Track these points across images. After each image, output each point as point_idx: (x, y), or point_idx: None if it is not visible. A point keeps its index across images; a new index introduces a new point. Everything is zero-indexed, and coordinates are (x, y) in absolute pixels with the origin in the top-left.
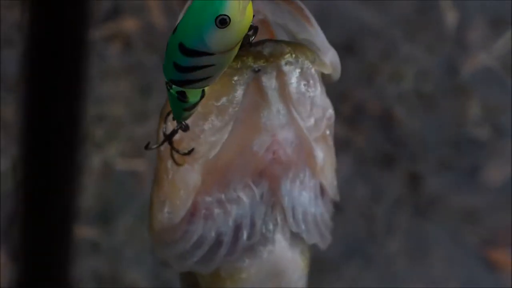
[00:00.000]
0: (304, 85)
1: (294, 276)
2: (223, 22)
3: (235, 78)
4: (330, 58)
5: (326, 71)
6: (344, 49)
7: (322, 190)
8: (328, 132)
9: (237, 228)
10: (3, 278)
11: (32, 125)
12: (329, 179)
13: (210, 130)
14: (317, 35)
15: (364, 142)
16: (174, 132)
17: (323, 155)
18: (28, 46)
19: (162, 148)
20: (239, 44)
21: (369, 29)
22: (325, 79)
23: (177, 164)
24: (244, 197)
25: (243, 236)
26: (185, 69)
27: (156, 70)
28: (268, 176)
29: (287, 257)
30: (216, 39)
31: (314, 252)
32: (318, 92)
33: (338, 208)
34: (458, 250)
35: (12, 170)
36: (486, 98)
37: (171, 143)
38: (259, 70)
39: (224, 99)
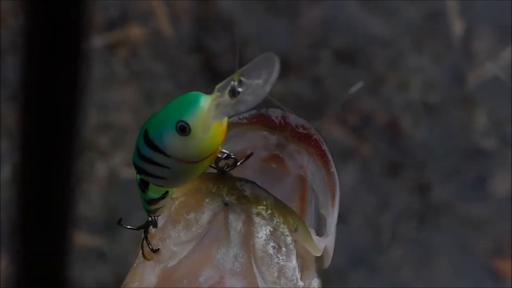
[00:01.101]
0: (273, 247)
1: None
2: (182, 129)
3: (206, 200)
4: (327, 242)
5: (313, 252)
6: (351, 58)
7: None
8: None
9: None
10: (4, 283)
11: (33, 132)
12: None
13: (175, 239)
14: (332, 216)
15: (370, 151)
16: (147, 223)
17: None
18: (30, 52)
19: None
20: (203, 163)
21: (376, 39)
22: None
23: (145, 257)
24: None
25: None
26: (143, 158)
27: (162, 78)
28: None
29: None
30: (174, 143)
31: None
32: (291, 264)
33: (343, 217)
34: (463, 259)
35: (14, 176)
36: (492, 108)
37: (146, 232)
38: (227, 205)
39: (192, 215)
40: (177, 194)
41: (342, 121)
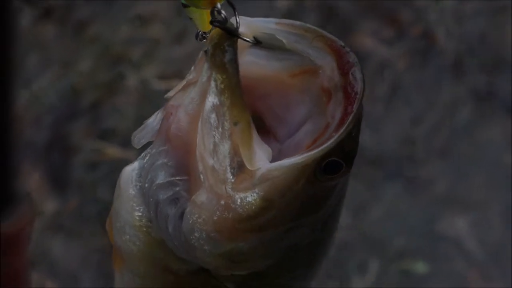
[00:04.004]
0: (214, 120)
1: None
2: None
3: (207, 41)
4: (263, 169)
5: (244, 159)
6: None
7: (182, 203)
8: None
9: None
10: None
11: None
12: (198, 215)
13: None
14: (291, 159)
15: (405, 63)
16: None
17: (205, 201)
18: None
19: None
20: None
21: None
22: None
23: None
24: (156, 119)
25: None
26: None
27: None
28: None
29: (125, 179)
30: None
31: (356, 173)
32: (223, 149)
33: (377, 130)
34: (500, 172)
35: None
36: None
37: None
38: (206, 52)
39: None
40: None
41: (376, 33)
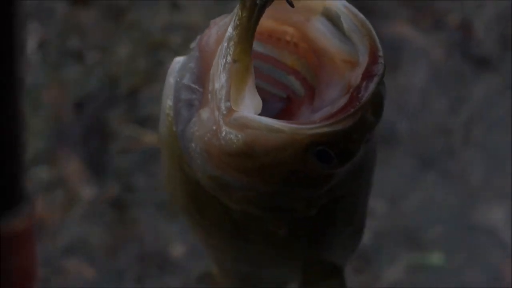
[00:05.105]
0: (224, 49)
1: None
2: None
3: None
4: (244, 112)
5: (232, 98)
6: None
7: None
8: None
9: None
10: None
11: None
12: (197, 128)
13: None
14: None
15: (442, 54)
16: None
17: (205, 119)
18: None
19: None
20: None
21: None
22: None
23: None
24: None
25: None
26: None
27: None
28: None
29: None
30: None
31: (391, 162)
32: (223, 78)
33: (413, 119)
34: None
35: None
36: None
37: None
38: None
39: None
40: None
41: (413, 22)
